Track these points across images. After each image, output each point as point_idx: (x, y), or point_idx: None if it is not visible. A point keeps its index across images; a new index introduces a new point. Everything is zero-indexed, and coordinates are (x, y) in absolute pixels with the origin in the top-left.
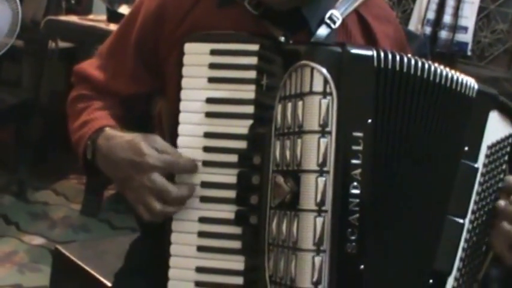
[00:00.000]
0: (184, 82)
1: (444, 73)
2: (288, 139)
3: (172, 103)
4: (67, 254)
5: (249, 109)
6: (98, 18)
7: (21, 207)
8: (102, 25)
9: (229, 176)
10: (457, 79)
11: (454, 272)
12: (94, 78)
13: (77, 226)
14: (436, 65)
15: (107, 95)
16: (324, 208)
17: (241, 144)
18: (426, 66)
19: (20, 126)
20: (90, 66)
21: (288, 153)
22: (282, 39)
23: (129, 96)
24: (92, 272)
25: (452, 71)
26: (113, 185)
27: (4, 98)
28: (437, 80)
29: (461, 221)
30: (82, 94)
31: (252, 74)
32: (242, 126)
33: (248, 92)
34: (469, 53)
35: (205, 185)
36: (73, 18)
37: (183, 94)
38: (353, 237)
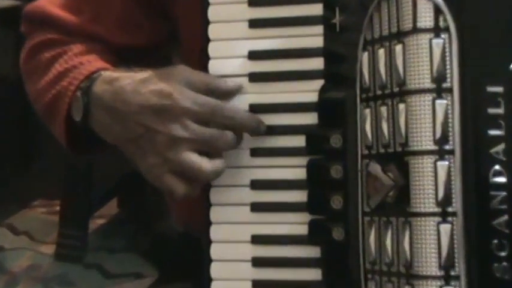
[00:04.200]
0: (213, 30)
1: None
2: (383, 105)
3: (193, 63)
4: None
5: (317, 63)
6: None
7: None
8: None
9: (295, 170)
10: None
11: None
12: (62, 19)
13: (51, 279)
14: None
15: (88, 39)
16: (450, 209)
17: (309, 119)
18: None
19: None
20: (51, 5)
21: (385, 126)
22: None
23: (120, 47)
24: None
25: None
26: (103, 208)
27: None
28: None
29: None
30: (49, 39)
31: (317, 9)
32: (307, 91)
33: (313, 37)
34: None
35: (257, 185)
36: None
37: (212, 49)
38: (502, 253)
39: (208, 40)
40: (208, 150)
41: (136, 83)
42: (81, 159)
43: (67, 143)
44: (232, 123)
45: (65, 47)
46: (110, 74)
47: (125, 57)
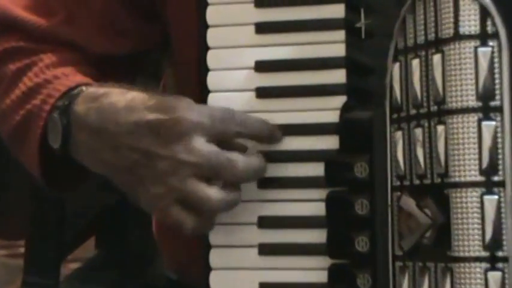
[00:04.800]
0: (212, 35)
1: None
2: (418, 127)
3: (187, 76)
4: None
5: (338, 76)
6: None
7: None
8: None
9: (311, 205)
10: None
11: None
12: (29, 22)
13: None
14: None
15: (62, 47)
16: (500, 253)
17: (329, 143)
18: None
19: None
20: (14, 5)
21: (420, 153)
22: None
23: (100, 57)
24: None
25: None
26: (78, 249)
27: None
28: None
29: None
30: (13, 47)
31: (338, 11)
32: (327, 109)
33: (333, 44)
34: None
35: (266, 223)
36: None
37: (212, 58)
38: None
39: (206, 48)
40: (216, 179)
41: (129, 98)
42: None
43: (42, 174)
44: (243, 131)
45: (34, 57)
46: (94, 89)
47: (105, 69)
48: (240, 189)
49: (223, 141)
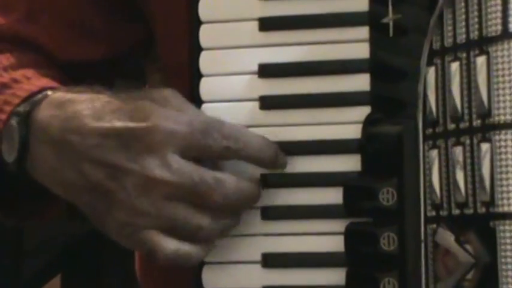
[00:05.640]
0: (206, 34)
1: None
2: (458, 145)
3: (177, 82)
4: None
5: (360, 82)
6: None
7: None
8: None
9: (327, 239)
10: None
11: None
12: None
13: None
14: None
15: (22, 47)
16: None
17: (349, 164)
18: None
19: None
20: None
21: (461, 176)
22: None
23: (67, 63)
24: None
25: None
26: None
27: None
28: None
29: None
30: None
31: (361, 3)
32: (346, 123)
33: (354, 43)
34: None
35: (271, 261)
36: None
37: (205, 62)
38: None
39: (199, 49)
40: (197, 203)
41: (98, 105)
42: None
43: None
44: (232, 146)
45: None
46: (61, 95)
47: (74, 75)
48: (237, 214)
49: (207, 158)
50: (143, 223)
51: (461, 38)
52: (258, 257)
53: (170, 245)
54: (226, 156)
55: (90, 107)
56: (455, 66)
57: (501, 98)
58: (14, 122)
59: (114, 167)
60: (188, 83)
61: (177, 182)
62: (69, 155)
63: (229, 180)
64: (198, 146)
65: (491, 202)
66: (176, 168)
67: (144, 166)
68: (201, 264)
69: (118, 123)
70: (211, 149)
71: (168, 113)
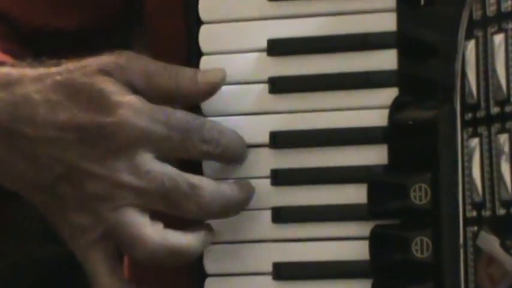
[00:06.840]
0: (206, 5)
1: None
2: (503, 132)
3: (168, 60)
4: None
5: (386, 59)
6: None
7: None
8: None
9: (348, 245)
10: None
11: None
12: None
13: None
14: None
15: None
16: None
17: (374, 156)
18: None
19: None
20: None
21: (506, 168)
22: None
23: (35, 31)
24: None
25: None
26: None
27: None
28: None
29: None
30: None
31: None
32: (370, 108)
33: (380, 14)
34: None
35: (284, 270)
36: None
37: (205, 37)
38: None
39: (198, 23)
40: (170, 212)
41: (51, 87)
42: None
43: None
44: (216, 154)
45: None
46: (6, 71)
47: (45, 50)
48: (209, 229)
49: (186, 160)
50: (97, 231)
51: (507, 5)
52: (269, 267)
53: (106, 271)
54: (205, 159)
55: (40, 89)
56: (499, 39)
57: None
58: None
59: (75, 167)
60: (185, 62)
61: (145, 190)
62: (21, 146)
63: (208, 186)
64: (175, 148)
65: None
66: (145, 171)
67: (110, 169)
68: (204, 276)
69: (80, 116)
70: (188, 153)
71: (140, 104)
